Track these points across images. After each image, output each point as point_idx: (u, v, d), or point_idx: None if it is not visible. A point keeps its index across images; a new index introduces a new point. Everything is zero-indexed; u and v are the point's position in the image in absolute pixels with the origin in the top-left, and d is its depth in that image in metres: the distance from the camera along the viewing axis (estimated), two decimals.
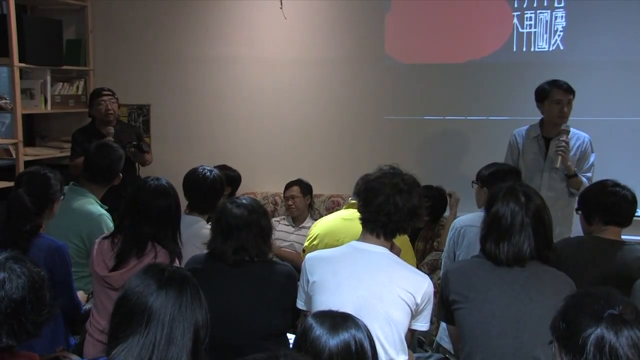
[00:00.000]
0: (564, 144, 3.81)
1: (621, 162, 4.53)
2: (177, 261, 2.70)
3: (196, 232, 3.19)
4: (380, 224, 2.37)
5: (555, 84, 3.90)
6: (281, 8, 5.15)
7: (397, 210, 2.34)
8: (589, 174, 3.96)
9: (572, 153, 3.92)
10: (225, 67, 5.53)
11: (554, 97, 3.87)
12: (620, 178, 3.04)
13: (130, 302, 1.68)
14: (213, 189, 3.41)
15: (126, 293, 1.71)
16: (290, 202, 4.80)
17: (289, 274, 2.62)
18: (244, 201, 2.63)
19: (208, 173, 3.41)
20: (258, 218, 2.58)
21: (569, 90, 3.88)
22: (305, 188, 4.83)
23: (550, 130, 3.96)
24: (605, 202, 2.91)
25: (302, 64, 5.35)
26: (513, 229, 2.31)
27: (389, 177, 2.40)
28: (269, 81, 5.44)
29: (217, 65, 5.53)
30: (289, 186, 4.83)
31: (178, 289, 1.70)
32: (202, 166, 3.48)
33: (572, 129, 3.93)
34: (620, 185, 2.96)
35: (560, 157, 3.82)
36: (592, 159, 3.99)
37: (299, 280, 2.57)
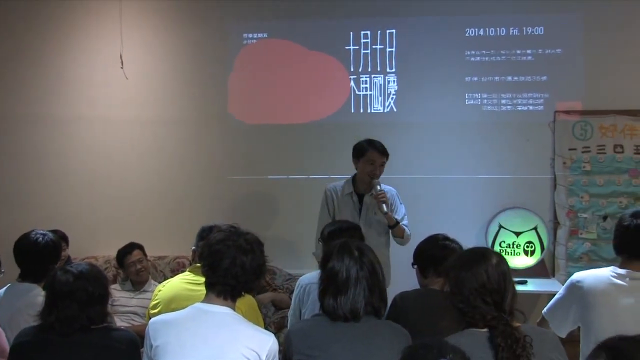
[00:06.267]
0: (382, 191, 3.98)
1: (449, 216, 4.85)
2: None
3: (30, 302, 2.99)
4: (229, 287, 2.36)
5: (372, 144, 4.06)
6: (122, 68, 5.10)
7: (244, 272, 2.35)
8: (405, 222, 4.15)
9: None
10: (64, 127, 5.34)
11: (369, 157, 4.04)
12: (448, 231, 3.20)
13: None
14: (45, 253, 3.23)
15: None
16: (139, 267, 4.56)
17: (130, 340, 2.51)
18: (73, 267, 2.51)
19: (40, 237, 3.24)
20: (85, 285, 2.45)
21: (384, 153, 4.05)
22: (143, 249, 4.65)
23: (362, 186, 4.13)
24: (437, 256, 3.05)
25: (144, 124, 5.29)
26: (349, 283, 2.37)
27: (232, 239, 2.40)
28: (110, 141, 5.32)
29: (54, 125, 5.33)
30: (128, 252, 4.57)
31: None
32: (34, 230, 3.30)
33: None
34: (449, 239, 3.12)
35: (384, 204, 3.97)
36: (402, 209, 4.18)
37: (142, 347, 2.48)
